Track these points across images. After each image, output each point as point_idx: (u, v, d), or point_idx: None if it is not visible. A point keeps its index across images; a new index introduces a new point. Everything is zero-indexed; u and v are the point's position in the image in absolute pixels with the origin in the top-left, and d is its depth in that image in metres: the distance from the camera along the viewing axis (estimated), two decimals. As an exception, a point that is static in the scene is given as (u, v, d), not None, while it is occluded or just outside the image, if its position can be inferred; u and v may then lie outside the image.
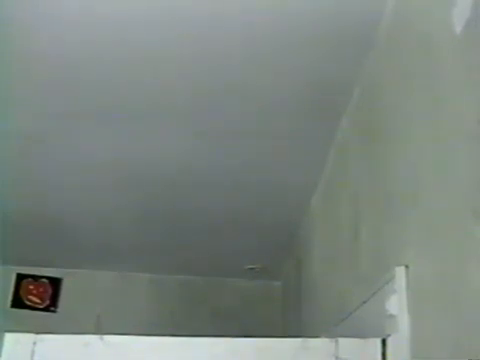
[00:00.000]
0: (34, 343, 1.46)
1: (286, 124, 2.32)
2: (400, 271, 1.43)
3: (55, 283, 4.30)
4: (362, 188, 1.97)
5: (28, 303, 4.26)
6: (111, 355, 1.50)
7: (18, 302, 4.25)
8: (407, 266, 1.41)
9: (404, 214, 1.49)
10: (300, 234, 3.28)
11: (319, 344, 1.53)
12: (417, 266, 1.37)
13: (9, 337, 1.47)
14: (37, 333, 1.47)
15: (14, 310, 4.21)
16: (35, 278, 4.29)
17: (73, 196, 3.07)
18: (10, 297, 4.24)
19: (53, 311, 4.25)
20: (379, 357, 1.47)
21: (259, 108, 2.22)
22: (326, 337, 1.58)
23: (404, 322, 1.37)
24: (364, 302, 1.72)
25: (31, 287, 4.28)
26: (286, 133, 2.39)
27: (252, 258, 3.92)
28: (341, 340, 1.50)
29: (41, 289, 4.29)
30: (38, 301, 4.27)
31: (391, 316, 1.43)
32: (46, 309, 4.25)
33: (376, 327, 1.52)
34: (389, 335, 1.45)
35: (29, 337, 1.47)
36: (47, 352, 1.48)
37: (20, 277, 4.28)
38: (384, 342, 1.47)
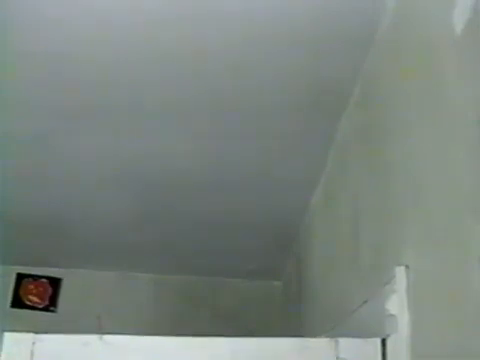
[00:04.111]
0: (33, 343, 1.46)
1: (286, 124, 2.32)
2: (400, 271, 1.43)
3: (55, 283, 4.29)
4: (362, 188, 1.97)
5: (28, 303, 4.26)
6: (111, 355, 1.50)
7: (18, 302, 4.25)
8: (407, 266, 1.41)
9: (404, 214, 1.49)
10: (300, 234, 3.28)
11: (319, 344, 1.53)
12: (417, 266, 1.37)
13: (8, 337, 1.47)
14: (36, 333, 1.47)
15: (14, 310, 4.20)
16: (35, 278, 4.28)
17: (73, 196, 3.07)
18: (10, 297, 4.24)
19: (52, 311, 4.24)
20: (379, 357, 1.47)
21: (259, 108, 2.22)
22: (326, 337, 1.58)
23: (404, 322, 1.37)
24: (364, 302, 1.72)
25: (31, 287, 4.28)
26: (286, 133, 2.38)
27: (252, 258, 3.91)
28: (341, 340, 1.50)
29: (41, 289, 4.28)
30: (38, 301, 4.27)
31: (391, 316, 1.43)
32: (45, 309, 4.25)
33: (376, 327, 1.52)
34: (389, 335, 1.45)
35: (28, 337, 1.47)
36: (47, 352, 1.48)
37: (20, 277, 4.27)
38: (384, 342, 1.47)
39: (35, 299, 4.27)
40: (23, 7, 1.73)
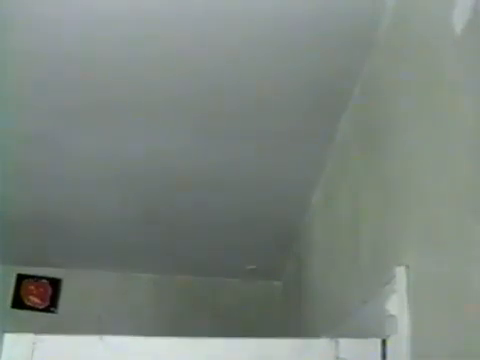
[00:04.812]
0: (34, 343, 1.46)
1: (286, 124, 2.32)
2: (400, 271, 1.43)
3: (55, 283, 4.30)
4: (362, 188, 1.97)
5: (28, 303, 4.26)
6: (111, 355, 1.50)
7: (19, 302, 4.25)
8: (407, 266, 1.41)
9: (404, 214, 1.49)
10: (300, 234, 3.28)
11: (319, 344, 1.53)
12: (417, 266, 1.37)
13: (9, 337, 1.47)
14: (37, 333, 1.47)
15: (14, 310, 4.21)
16: (35, 278, 4.29)
17: (73, 196, 3.07)
18: (10, 298, 4.24)
19: (53, 312, 4.25)
20: (379, 357, 1.47)
21: (259, 108, 2.22)
22: (326, 337, 1.58)
23: (404, 322, 1.37)
24: (364, 302, 1.72)
25: (31, 287, 4.28)
26: (286, 133, 2.39)
27: (252, 258, 3.91)
28: (341, 340, 1.50)
29: (41, 289, 4.29)
30: (38, 301, 4.27)
31: (391, 316, 1.43)
32: (46, 310, 4.25)
33: (376, 327, 1.52)
34: (389, 335, 1.45)
35: (29, 337, 1.47)
36: (47, 352, 1.48)
37: (21, 277, 4.28)
38: (384, 342, 1.47)
39: (36, 300, 4.27)
40: (23, 7, 1.73)
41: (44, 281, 4.29)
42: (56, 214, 3.29)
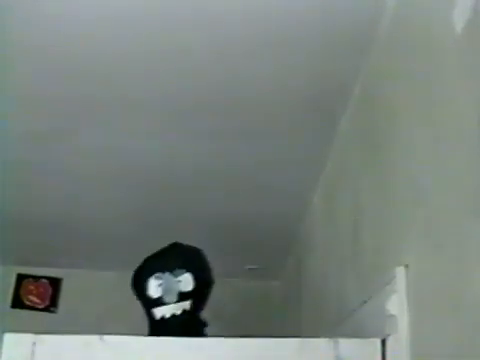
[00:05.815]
0: (34, 343, 1.46)
1: (286, 123, 2.32)
2: (400, 271, 1.43)
3: (55, 283, 4.29)
4: (362, 188, 1.97)
5: (28, 303, 4.26)
6: (111, 355, 1.50)
7: (18, 302, 4.25)
8: (407, 266, 1.41)
9: (404, 214, 1.49)
10: (300, 234, 3.28)
11: (319, 344, 1.53)
12: (417, 266, 1.37)
13: (9, 337, 1.47)
14: (37, 333, 1.47)
15: (14, 310, 4.20)
16: (35, 278, 4.28)
17: (73, 196, 3.07)
18: (10, 297, 4.24)
19: (52, 311, 4.24)
20: (379, 357, 1.47)
21: (259, 108, 2.22)
22: (326, 337, 1.58)
23: (404, 322, 1.37)
24: (364, 302, 1.72)
25: (31, 287, 4.28)
26: (286, 132, 2.38)
27: (252, 258, 3.91)
28: (341, 340, 1.50)
29: (41, 289, 4.28)
30: (38, 301, 4.27)
31: (391, 316, 1.43)
32: (46, 309, 4.25)
33: (376, 327, 1.52)
34: (389, 335, 1.45)
35: (29, 337, 1.47)
36: (47, 352, 1.48)
37: (20, 277, 4.28)
38: (384, 342, 1.47)
39: (35, 299, 4.27)
40: (23, 4, 1.73)
41: (44, 281, 4.29)
42: (56, 214, 3.29)
